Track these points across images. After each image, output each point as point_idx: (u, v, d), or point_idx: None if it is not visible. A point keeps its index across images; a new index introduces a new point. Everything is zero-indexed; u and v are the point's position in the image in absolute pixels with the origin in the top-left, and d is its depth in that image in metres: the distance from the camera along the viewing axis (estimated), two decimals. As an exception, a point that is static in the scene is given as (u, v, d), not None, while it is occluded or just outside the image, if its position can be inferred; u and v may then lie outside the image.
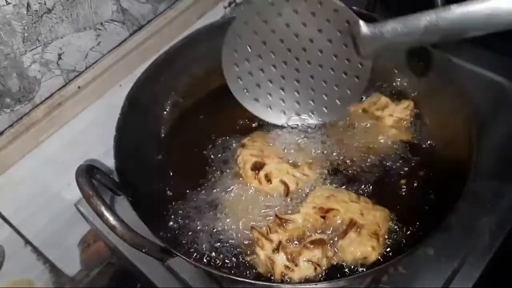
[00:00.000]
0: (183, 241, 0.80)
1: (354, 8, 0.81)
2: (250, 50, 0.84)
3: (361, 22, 0.75)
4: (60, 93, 0.92)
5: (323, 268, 0.74)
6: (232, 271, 0.75)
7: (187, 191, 0.86)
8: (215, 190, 0.86)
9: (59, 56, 0.90)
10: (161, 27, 1.03)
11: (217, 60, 1.04)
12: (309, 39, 0.82)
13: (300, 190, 0.84)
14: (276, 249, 0.74)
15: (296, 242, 0.74)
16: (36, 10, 0.82)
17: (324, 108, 0.90)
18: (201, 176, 0.89)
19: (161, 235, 0.72)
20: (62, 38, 0.88)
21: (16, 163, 0.89)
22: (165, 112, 0.99)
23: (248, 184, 0.85)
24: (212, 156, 0.91)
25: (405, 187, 0.85)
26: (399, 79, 0.98)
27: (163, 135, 0.98)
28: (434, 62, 0.90)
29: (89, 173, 0.68)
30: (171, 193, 0.88)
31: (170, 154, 0.94)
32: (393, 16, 1.11)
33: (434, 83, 0.91)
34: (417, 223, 0.79)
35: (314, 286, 0.69)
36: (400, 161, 0.88)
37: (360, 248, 0.75)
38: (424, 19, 0.69)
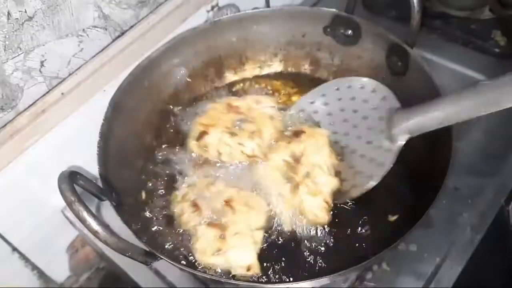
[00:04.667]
0: (168, 244, 0.81)
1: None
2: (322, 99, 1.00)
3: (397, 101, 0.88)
4: (43, 100, 0.92)
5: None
6: (216, 272, 0.76)
7: (171, 195, 0.87)
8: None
9: (42, 63, 0.90)
10: (144, 32, 1.03)
11: (200, 65, 1.06)
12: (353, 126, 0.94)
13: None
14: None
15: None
16: (17, 18, 0.82)
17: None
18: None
19: (145, 239, 0.72)
20: (44, 45, 0.88)
21: (1, 170, 0.89)
22: (149, 117, 0.99)
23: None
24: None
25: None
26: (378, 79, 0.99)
27: (147, 140, 0.98)
28: (413, 61, 0.91)
29: (71, 179, 0.68)
30: (155, 198, 0.88)
31: (154, 159, 0.95)
32: (374, 16, 1.13)
33: (413, 83, 0.92)
34: (399, 219, 0.81)
35: (296, 285, 0.70)
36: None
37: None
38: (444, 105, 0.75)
